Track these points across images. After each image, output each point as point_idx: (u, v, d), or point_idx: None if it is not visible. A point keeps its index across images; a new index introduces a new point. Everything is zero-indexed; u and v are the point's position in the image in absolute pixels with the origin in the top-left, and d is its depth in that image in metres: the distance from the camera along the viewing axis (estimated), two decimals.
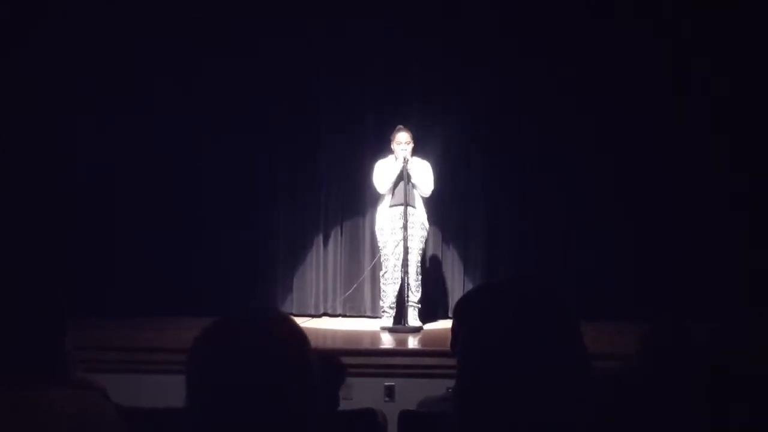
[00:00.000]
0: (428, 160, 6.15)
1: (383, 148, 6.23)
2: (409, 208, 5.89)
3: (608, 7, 6.53)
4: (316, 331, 6.22)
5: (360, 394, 4.53)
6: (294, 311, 6.88)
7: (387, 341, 5.73)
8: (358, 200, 6.91)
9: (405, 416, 2.71)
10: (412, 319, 5.96)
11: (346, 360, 4.21)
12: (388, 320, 6.05)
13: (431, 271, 6.82)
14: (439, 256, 6.95)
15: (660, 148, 6.56)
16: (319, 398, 1.35)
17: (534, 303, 1.36)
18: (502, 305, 1.37)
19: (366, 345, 5.66)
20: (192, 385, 1.32)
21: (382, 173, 6.01)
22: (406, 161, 5.86)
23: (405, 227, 5.83)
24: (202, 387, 1.31)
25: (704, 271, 6.26)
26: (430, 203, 6.20)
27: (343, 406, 2.87)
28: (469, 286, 6.65)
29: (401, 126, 6.06)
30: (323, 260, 7.04)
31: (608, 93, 6.59)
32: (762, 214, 6.25)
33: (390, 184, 5.98)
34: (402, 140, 5.94)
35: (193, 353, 1.34)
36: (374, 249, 6.57)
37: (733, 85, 6.33)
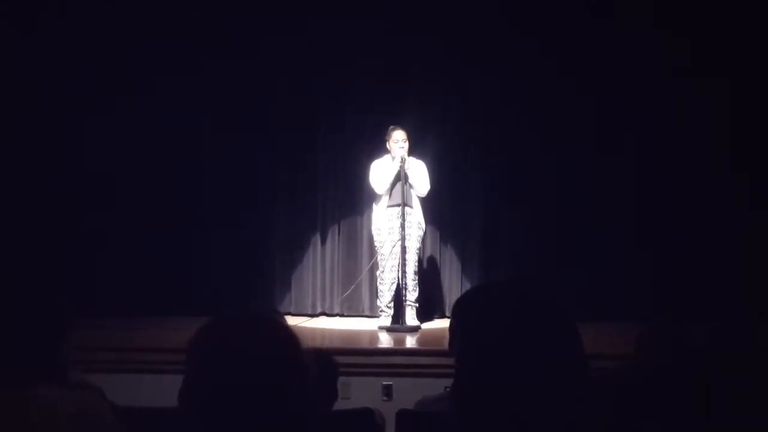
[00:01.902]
0: (426, 160, 6.15)
1: (382, 148, 6.23)
2: (406, 208, 5.89)
3: (608, 7, 6.53)
4: (314, 330, 6.22)
5: (358, 393, 4.54)
6: (292, 311, 6.89)
7: (385, 341, 5.73)
8: (356, 200, 6.91)
9: (403, 415, 2.71)
10: (410, 318, 5.96)
11: (344, 359, 4.22)
12: (386, 320, 6.04)
13: (429, 270, 6.82)
14: (437, 255, 6.95)
15: (660, 148, 6.56)
16: (315, 397, 1.35)
17: (532, 303, 1.36)
18: (500, 305, 1.37)
19: (364, 344, 5.66)
20: (188, 384, 1.32)
21: (379, 174, 6.01)
22: (403, 161, 5.86)
23: (402, 227, 5.82)
24: (197, 387, 1.31)
25: (704, 271, 6.25)
26: (428, 202, 6.20)
27: (341, 405, 2.86)
28: (467, 286, 6.68)
29: (394, 127, 6.04)
30: (321, 260, 7.04)
31: (608, 93, 6.59)
32: (762, 213, 6.24)
33: (388, 185, 5.98)
34: (399, 138, 5.92)
35: (189, 353, 1.34)
36: (372, 249, 6.58)
37: (733, 85, 6.32)
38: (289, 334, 1.37)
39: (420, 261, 6.25)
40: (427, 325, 6.09)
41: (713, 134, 6.40)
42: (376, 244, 6.17)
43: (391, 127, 6.03)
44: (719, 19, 6.38)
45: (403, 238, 5.81)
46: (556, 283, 6.36)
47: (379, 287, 6.13)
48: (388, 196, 6.01)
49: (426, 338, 5.67)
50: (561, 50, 6.62)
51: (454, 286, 6.87)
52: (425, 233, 6.24)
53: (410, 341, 5.62)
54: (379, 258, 6.14)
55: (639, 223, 6.56)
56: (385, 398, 4.79)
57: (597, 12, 6.58)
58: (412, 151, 6.04)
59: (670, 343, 2.74)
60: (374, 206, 6.18)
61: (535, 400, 1.28)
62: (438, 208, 6.62)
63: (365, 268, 6.76)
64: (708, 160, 6.42)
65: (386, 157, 6.05)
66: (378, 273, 6.16)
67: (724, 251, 6.26)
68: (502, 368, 1.29)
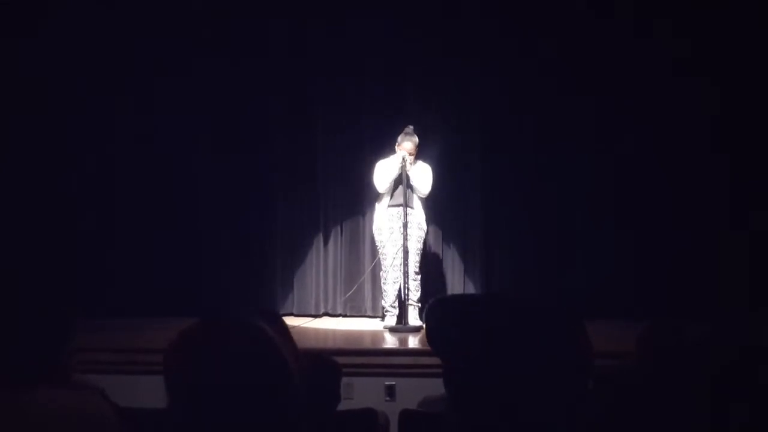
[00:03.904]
0: (426, 160, 6.15)
1: (382, 147, 6.24)
2: (407, 209, 5.89)
3: (608, 8, 6.53)
4: (317, 331, 6.22)
5: (361, 393, 4.54)
6: (294, 311, 6.89)
7: (388, 341, 5.73)
8: (358, 200, 6.91)
9: (406, 415, 2.72)
10: (413, 318, 5.96)
11: (347, 360, 4.22)
12: (391, 319, 6.04)
13: (432, 270, 6.82)
14: (440, 255, 6.95)
15: (660, 148, 6.56)
16: (313, 399, 1.36)
17: (537, 307, 1.35)
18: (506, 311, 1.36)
19: (367, 345, 5.66)
20: (169, 387, 1.33)
21: (382, 173, 6.02)
22: (404, 161, 5.86)
23: (405, 226, 5.83)
24: (179, 389, 1.32)
25: (704, 271, 6.25)
26: (430, 203, 6.20)
27: (344, 405, 2.86)
28: (470, 285, 6.72)
29: (408, 130, 6.02)
30: (323, 260, 7.04)
31: (608, 93, 6.60)
32: (762, 213, 6.24)
33: (389, 184, 5.98)
34: (406, 149, 5.93)
35: (170, 356, 1.35)
36: (374, 249, 6.58)
37: (733, 86, 6.33)
38: (266, 336, 1.37)
39: (422, 261, 6.23)
40: None
41: (713, 134, 6.39)
42: (377, 244, 6.18)
43: (405, 131, 6.01)
44: (719, 19, 6.38)
45: (405, 237, 5.82)
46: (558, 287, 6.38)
47: (383, 287, 6.13)
48: (389, 196, 6.02)
49: None
50: (561, 50, 6.63)
51: (457, 285, 6.88)
52: (427, 233, 6.24)
53: (413, 341, 5.62)
54: (380, 258, 6.14)
55: (639, 223, 6.56)
56: (388, 398, 4.79)
57: (596, 12, 6.58)
58: (418, 153, 6.04)
59: (670, 343, 2.75)
60: (376, 205, 6.19)
61: (535, 401, 1.28)
62: (439, 209, 6.63)
63: (368, 269, 6.76)
64: (708, 159, 6.42)
65: (392, 157, 6.05)
66: (381, 273, 6.17)
67: (724, 251, 6.25)
68: (503, 368, 1.29)
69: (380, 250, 6.13)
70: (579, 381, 1.33)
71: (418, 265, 6.05)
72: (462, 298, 1.44)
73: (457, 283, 6.90)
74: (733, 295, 5.89)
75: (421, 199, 6.08)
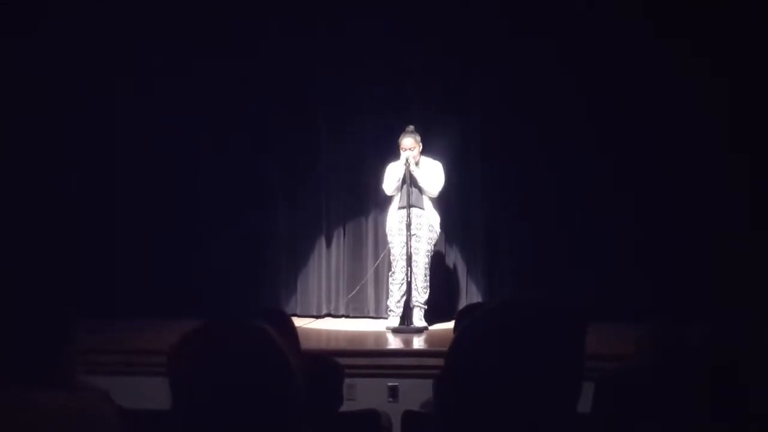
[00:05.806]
0: (437, 158, 6.14)
1: (384, 148, 6.24)
2: (415, 210, 5.89)
3: (608, 8, 6.53)
4: (319, 332, 6.22)
5: (364, 394, 4.55)
6: (297, 312, 6.88)
7: (391, 342, 5.73)
8: (361, 201, 6.91)
9: (409, 416, 2.72)
10: (417, 319, 5.96)
11: (350, 361, 4.23)
12: (394, 320, 6.03)
13: (435, 271, 6.81)
14: (443, 256, 6.94)
15: (660, 148, 6.56)
16: (302, 400, 1.36)
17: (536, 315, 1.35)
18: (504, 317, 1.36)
19: (370, 345, 5.66)
20: (173, 388, 1.34)
21: (388, 176, 6.02)
22: (407, 163, 5.86)
23: (408, 227, 5.82)
24: (183, 391, 1.32)
25: (704, 271, 6.25)
26: (434, 203, 6.18)
27: (347, 406, 2.86)
28: (473, 287, 6.72)
29: (409, 129, 6.02)
30: (326, 261, 7.03)
31: (608, 93, 6.59)
32: (762, 213, 6.24)
33: (394, 187, 5.98)
34: (406, 146, 5.93)
35: (173, 358, 1.36)
36: (377, 250, 6.58)
37: (733, 85, 6.32)
38: (268, 337, 1.37)
39: (431, 263, 6.20)
40: (433, 327, 6.09)
41: (714, 134, 6.39)
42: (389, 245, 6.18)
43: (406, 130, 6.02)
44: (719, 19, 6.38)
45: (408, 238, 5.81)
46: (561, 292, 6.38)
47: (390, 287, 6.13)
48: (398, 198, 6.02)
49: (432, 339, 5.66)
50: (561, 50, 6.63)
51: (459, 287, 6.88)
52: (438, 236, 6.22)
53: (416, 342, 5.62)
54: (390, 258, 6.13)
55: (639, 223, 6.56)
56: (390, 400, 4.79)
57: (597, 12, 6.58)
58: (425, 152, 6.02)
59: (670, 344, 2.75)
60: (389, 207, 6.19)
61: (529, 404, 1.27)
62: (441, 209, 6.62)
63: (371, 269, 6.75)
64: (708, 159, 6.42)
65: (399, 160, 6.04)
66: (389, 273, 6.16)
67: (724, 251, 6.25)
68: (497, 370, 1.29)
69: (391, 251, 6.12)
70: (575, 382, 1.33)
71: (427, 266, 6.03)
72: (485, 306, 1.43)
73: (460, 284, 6.90)
74: (733, 295, 5.89)
75: (431, 199, 6.07)
